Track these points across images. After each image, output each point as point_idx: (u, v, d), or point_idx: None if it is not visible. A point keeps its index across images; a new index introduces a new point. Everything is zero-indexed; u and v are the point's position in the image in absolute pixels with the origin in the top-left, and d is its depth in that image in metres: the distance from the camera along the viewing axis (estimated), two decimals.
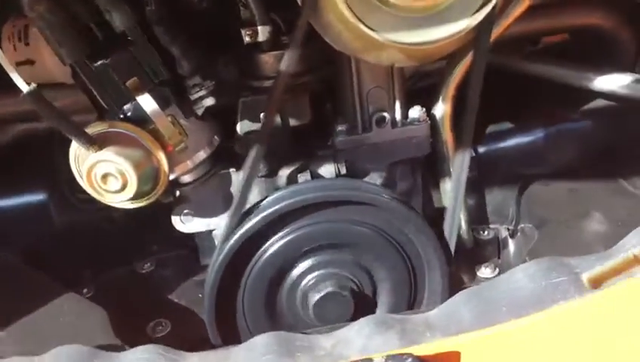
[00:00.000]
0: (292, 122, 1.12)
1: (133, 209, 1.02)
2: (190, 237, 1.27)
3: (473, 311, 0.84)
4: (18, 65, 1.12)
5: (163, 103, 0.98)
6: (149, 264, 1.35)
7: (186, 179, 1.10)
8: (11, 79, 0.85)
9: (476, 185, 1.33)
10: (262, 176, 1.09)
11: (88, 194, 0.99)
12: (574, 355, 0.79)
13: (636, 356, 0.78)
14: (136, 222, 1.35)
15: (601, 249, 0.91)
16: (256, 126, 1.08)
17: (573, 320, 0.80)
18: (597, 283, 0.79)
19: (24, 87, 0.83)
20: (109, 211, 1.25)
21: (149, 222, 1.32)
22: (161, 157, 0.98)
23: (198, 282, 1.27)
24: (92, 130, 0.94)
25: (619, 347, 0.79)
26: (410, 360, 0.72)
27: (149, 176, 0.97)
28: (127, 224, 1.36)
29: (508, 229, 1.30)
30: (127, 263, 1.36)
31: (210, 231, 1.17)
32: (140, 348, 0.86)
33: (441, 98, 1.17)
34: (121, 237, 1.37)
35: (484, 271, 1.23)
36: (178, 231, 1.17)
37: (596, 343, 0.79)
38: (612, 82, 1.27)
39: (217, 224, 1.13)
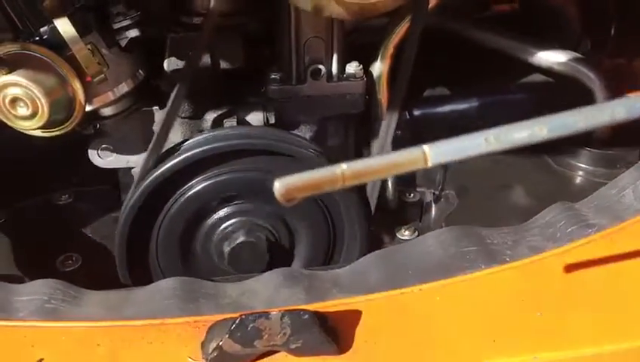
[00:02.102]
0: (223, 64, 1.08)
1: (55, 137, 0.98)
2: (113, 172, 1.23)
3: (381, 272, 0.85)
4: None
5: (83, 29, 0.92)
6: (66, 196, 1.30)
7: (107, 112, 1.05)
8: None
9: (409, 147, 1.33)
10: (186, 117, 1.06)
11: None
12: (474, 324, 0.81)
13: (532, 331, 0.80)
14: (57, 151, 1.29)
15: (517, 223, 0.92)
16: (184, 64, 1.04)
17: (476, 290, 0.82)
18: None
19: None
20: (28, 137, 1.20)
21: (71, 153, 1.27)
22: (77, 86, 0.92)
23: (115, 218, 1.23)
24: (2, 50, 0.88)
25: (517, 321, 0.81)
26: (307, 316, 0.72)
27: (62, 105, 0.92)
28: (48, 152, 1.30)
29: (433, 194, 1.31)
30: (44, 193, 1.31)
31: (130, 169, 1.14)
32: (38, 282, 0.83)
33: (379, 56, 1.15)
34: (39, 165, 1.31)
35: (404, 234, 1.24)
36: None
37: (496, 315, 0.81)
38: (552, 58, 1.28)
39: (137, 162, 1.10)
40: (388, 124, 1.06)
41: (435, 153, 0.65)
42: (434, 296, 0.82)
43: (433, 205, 1.30)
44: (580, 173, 1.26)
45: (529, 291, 0.82)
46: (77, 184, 1.33)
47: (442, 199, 1.28)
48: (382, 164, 0.65)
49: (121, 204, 1.25)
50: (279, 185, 0.63)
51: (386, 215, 1.25)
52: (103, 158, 1.10)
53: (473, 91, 1.35)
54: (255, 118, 1.08)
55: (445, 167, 1.32)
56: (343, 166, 0.62)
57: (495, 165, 1.28)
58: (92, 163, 1.13)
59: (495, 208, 1.22)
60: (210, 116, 1.07)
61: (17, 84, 0.86)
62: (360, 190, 1.07)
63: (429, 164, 0.64)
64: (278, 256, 1.05)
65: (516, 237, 0.89)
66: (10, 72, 0.87)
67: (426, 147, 0.64)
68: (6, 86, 0.87)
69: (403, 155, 0.65)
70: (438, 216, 1.27)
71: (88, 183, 1.32)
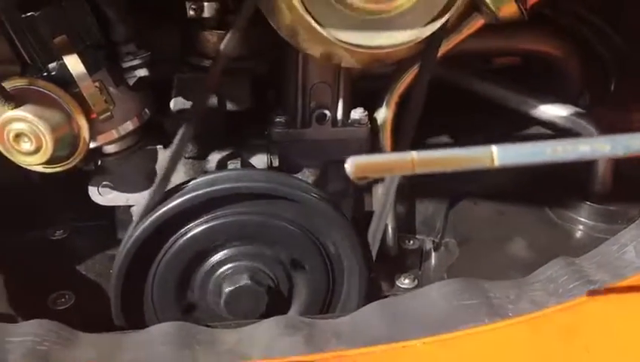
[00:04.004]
0: (229, 106, 1.08)
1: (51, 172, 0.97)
2: (110, 209, 1.22)
3: (383, 323, 0.84)
4: None
5: (92, 67, 0.92)
6: (61, 231, 1.28)
7: (110, 149, 1.04)
8: None
9: (408, 194, 1.33)
10: (190, 158, 1.05)
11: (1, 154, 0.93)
12: None
13: None
14: (54, 185, 1.28)
15: (518, 275, 0.92)
16: (190, 104, 1.04)
17: (479, 344, 0.81)
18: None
19: None
20: (24, 171, 1.19)
21: (68, 187, 1.26)
22: (83, 123, 0.92)
23: (111, 256, 1.22)
24: (10, 84, 0.87)
25: None
26: None
27: (66, 142, 0.91)
28: (45, 186, 1.29)
29: (433, 242, 1.31)
30: (39, 227, 1.29)
31: (129, 206, 1.13)
32: (32, 322, 0.81)
33: (384, 103, 1.16)
34: (35, 199, 1.30)
35: (404, 282, 1.22)
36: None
37: None
38: (552, 111, 1.30)
39: (137, 200, 1.09)
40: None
41: (502, 154, 0.67)
42: (437, 350, 0.80)
43: (433, 253, 1.29)
44: (581, 227, 1.26)
45: (532, 346, 0.81)
46: (72, 219, 1.31)
47: (442, 247, 1.28)
48: (451, 156, 0.68)
49: (117, 241, 1.24)
50: (351, 163, 0.65)
51: (385, 262, 1.24)
52: (102, 195, 1.08)
53: (474, 142, 1.35)
54: (259, 160, 1.08)
55: (446, 216, 1.32)
56: (414, 153, 0.65)
57: (497, 216, 1.28)
58: (88, 198, 1.12)
59: (496, 259, 1.21)
60: (214, 157, 1.06)
61: (23, 119, 0.86)
62: (361, 236, 1.07)
63: (495, 164, 0.66)
64: (276, 301, 1.03)
65: (518, 291, 0.88)
66: (16, 106, 0.86)
67: (494, 147, 0.67)
68: (11, 120, 0.86)
69: (472, 152, 0.68)
70: (438, 264, 1.26)
71: (84, 219, 1.30)
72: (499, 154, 0.67)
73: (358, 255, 1.05)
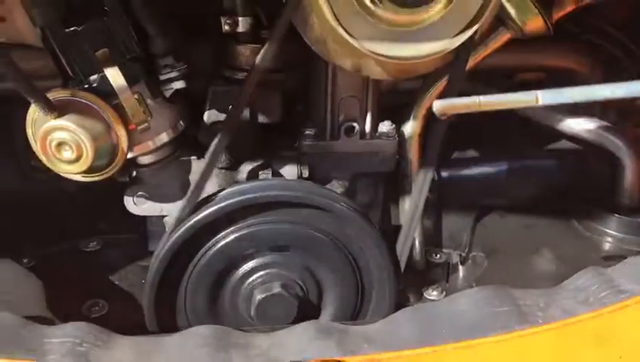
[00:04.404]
0: (261, 118, 1.11)
1: (86, 184, 1.01)
2: (141, 221, 1.25)
3: (413, 329, 0.85)
4: None
5: (131, 79, 0.96)
6: (95, 243, 1.31)
7: (145, 160, 1.07)
8: None
9: (435, 208, 1.34)
10: (222, 168, 1.08)
11: (42, 163, 0.96)
12: None
13: None
14: (87, 198, 1.32)
15: (546, 287, 0.92)
16: (223, 116, 1.07)
17: (509, 351, 0.81)
18: None
19: None
20: (59, 183, 1.23)
21: (101, 200, 1.30)
22: (122, 133, 0.95)
23: (143, 267, 1.25)
24: (53, 95, 0.91)
25: None
26: None
27: (105, 151, 0.95)
28: (78, 199, 1.33)
29: (460, 255, 1.31)
30: (72, 239, 1.32)
31: (161, 217, 1.15)
32: (70, 325, 0.83)
33: (412, 116, 1.18)
34: (69, 211, 1.34)
35: (431, 294, 1.23)
36: (129, 214, 1.15)
37: None
38: (579, 125, 1.30)
39: (170, 210, 1.11)
40: (422, 184, 1.07)
41: (545, 96, 0.95)
42: (467, 355, 0.81)
43: (460, 266, 1.29)
44: (609, 239, 1.26)
45: (563, 353, 0.81)
46: (105, 232, 1.34)
47: (470, 261, 1.28)
48: (505, 99, 0.99)
49: (148, 253, 1.27)
50: (436, 104, 1.00)
51: (412, 275, 1.25)
52: (137, 205, 1.11)
53: (501, 156, 1.36)
54: (289, 171, 1.10)
55: (473, 230, 1.33)
56: (481, 97, 0.98)
57: (524, 229, 1.28)
58: (120, 211, 1.15)
59: (523, 272, 1.21)
60: (245, 168, 1.09)
61: (65, 128, 0.89)
62: (390, 248, 1.08)
63: (540, 103, 0.95)
64: (306, 309, 1.04)
65: (548, 299, 0.88)
66: (58, 116, 0.90)
67: (539, 92, 0.95)
68: (54, 130, 0.90)
69: (519, 96, 0.98)
70: (465, 276, 1.27)
71: (116, 231, 1.33)
72: (543, 97, 0.95)
73: (388, 265, 1.06)
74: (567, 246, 1.25)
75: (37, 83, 0.93)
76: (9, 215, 1.28)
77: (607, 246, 1.25)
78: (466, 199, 1.36)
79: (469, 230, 1.33)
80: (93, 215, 1.35)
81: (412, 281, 1.26)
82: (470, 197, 1.36)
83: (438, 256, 1.32)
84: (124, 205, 1.14)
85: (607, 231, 1.26)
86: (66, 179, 0.99)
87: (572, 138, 1.34)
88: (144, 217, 1.25)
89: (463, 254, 1.31)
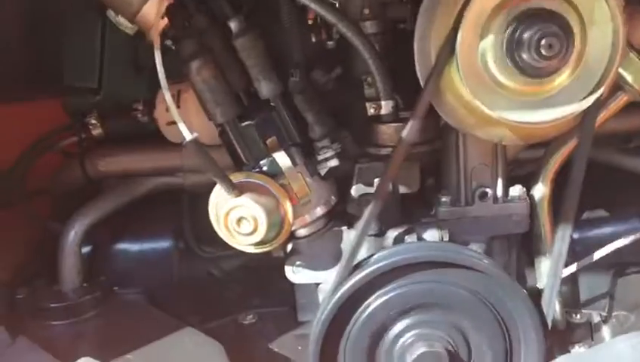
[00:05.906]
0: (402, 189, 1.22)
1: (239, 265, 1.13)
2: (290, 294, 1.38)
3: None
4: (168, 125, 1.31)
5: (294, 161, 1.12)
6: (251, 316, 1.44)
7: (302, 232, 1.21)
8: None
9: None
10: (371, 235, 1.19)
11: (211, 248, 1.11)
12: None
13: None
14: (241, 276, 1.47)
15: None
16: (370, 189, 1.19)
17: None
18: None
19: (188, 136, 0.99)
20: (220, 264, 1.40)
21: (252, 278, 1.44)
22: (288, 208, 1.10)
23: (297, 336, 1.35)
24: (233, 178, 1.08)
25: None
26: None
27: (276, 224, 1.09)
28: (234, 278, 1.49)
29: (600, 315, 1.32)
30: (229, 314, 1.46)
31: (310, 289, 1.27)
32: None
33: (540, 179, 1.25)
34: (226, 288, 1.49)
35: (579, 351, 1.24)
36: (280, 289, 1.28)
37: None
38: None
39: (324, 278, 1.22)
40: (560, 247, 1.11)
41: None
42: None
43: (603, 325, 1.30)
44: None
45: None
46: (258, 306, 1.47)
47: (613, 319, 1.28)
48: None
49: (298, 323, 1.38)
50: None
51: (555, 335, 1.27)
52: (295, 274, 1.24)
53: (631, 213, 1.39)
54: (431, 235, 1.20)
55: (612, 290, 1.33)
56: None
57: None
58: (270, 286, 1.28)
59: None
60: (392, 234, 1.19)
61: (245, 205, 1.05)
62: (536, 305, 1.12)
63: None
64: None
65: None
66: (239, 195, 1.06)
67: None
68: (235, 207, 1.06)
69: None
70: (611, 333, 1.27)
71: (268, 305, 1.46)
72: None
73: (535, 323, 1.09)
74: None
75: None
76: (177, 294, 1.45)
77: None
78: (601, 259, 1.38)
79: (608, 290, 1.35)
80: (246, 291, 1.49)
81: (555, 341, 1.28)
82: (606, 257, 1.37)
83: (579, 316, 1.34)
84: (274, 281, 1.28)
85: None
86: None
87: None
88: (293, 291, 1.38)
89: (604, 314, 1.32)
